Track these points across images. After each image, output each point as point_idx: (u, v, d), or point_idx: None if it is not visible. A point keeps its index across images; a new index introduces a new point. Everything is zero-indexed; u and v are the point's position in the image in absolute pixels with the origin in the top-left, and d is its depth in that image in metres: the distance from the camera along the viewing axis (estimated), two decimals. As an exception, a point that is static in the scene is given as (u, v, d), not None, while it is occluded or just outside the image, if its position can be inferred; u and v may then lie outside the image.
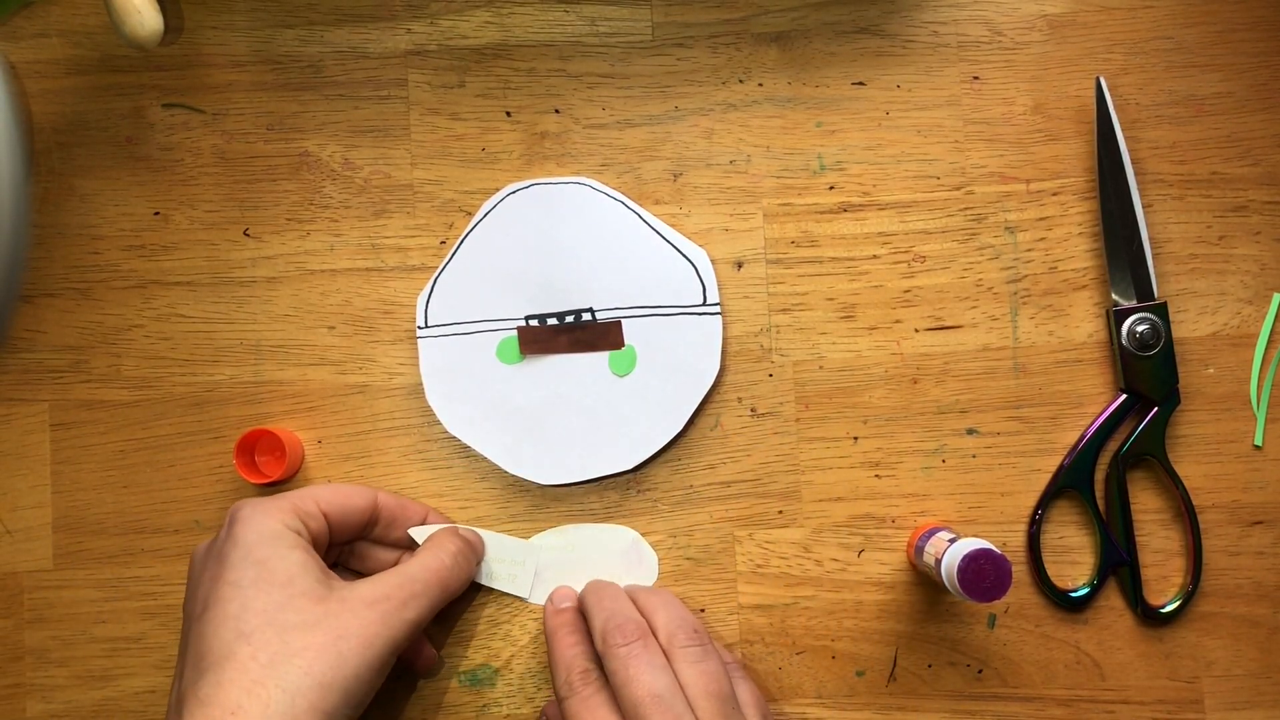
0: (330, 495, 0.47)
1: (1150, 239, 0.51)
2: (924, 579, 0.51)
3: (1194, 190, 0.52)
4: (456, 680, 0.51)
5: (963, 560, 0.43)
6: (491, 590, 0.51)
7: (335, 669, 0.41)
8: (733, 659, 0.49)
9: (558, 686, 0.46)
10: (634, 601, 0.48)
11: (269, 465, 0.51)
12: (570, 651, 0.46)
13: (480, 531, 0.51)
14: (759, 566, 0.51)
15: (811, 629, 0.51)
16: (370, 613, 0.43)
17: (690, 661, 0.45)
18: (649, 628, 0.46)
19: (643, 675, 0.43)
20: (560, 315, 0.51)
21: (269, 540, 0.43)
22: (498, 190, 0.52)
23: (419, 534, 0.49)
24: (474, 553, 0.49)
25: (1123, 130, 0.51)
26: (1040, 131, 0.52)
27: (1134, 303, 0.50)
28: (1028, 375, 0.51)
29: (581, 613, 0.49)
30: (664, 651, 0.45)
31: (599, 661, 0.46)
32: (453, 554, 0.47)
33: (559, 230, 0.51)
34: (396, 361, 0.52)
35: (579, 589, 0.50)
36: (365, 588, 0.44)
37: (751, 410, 0.51)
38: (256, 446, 0.51)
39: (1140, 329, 0.50)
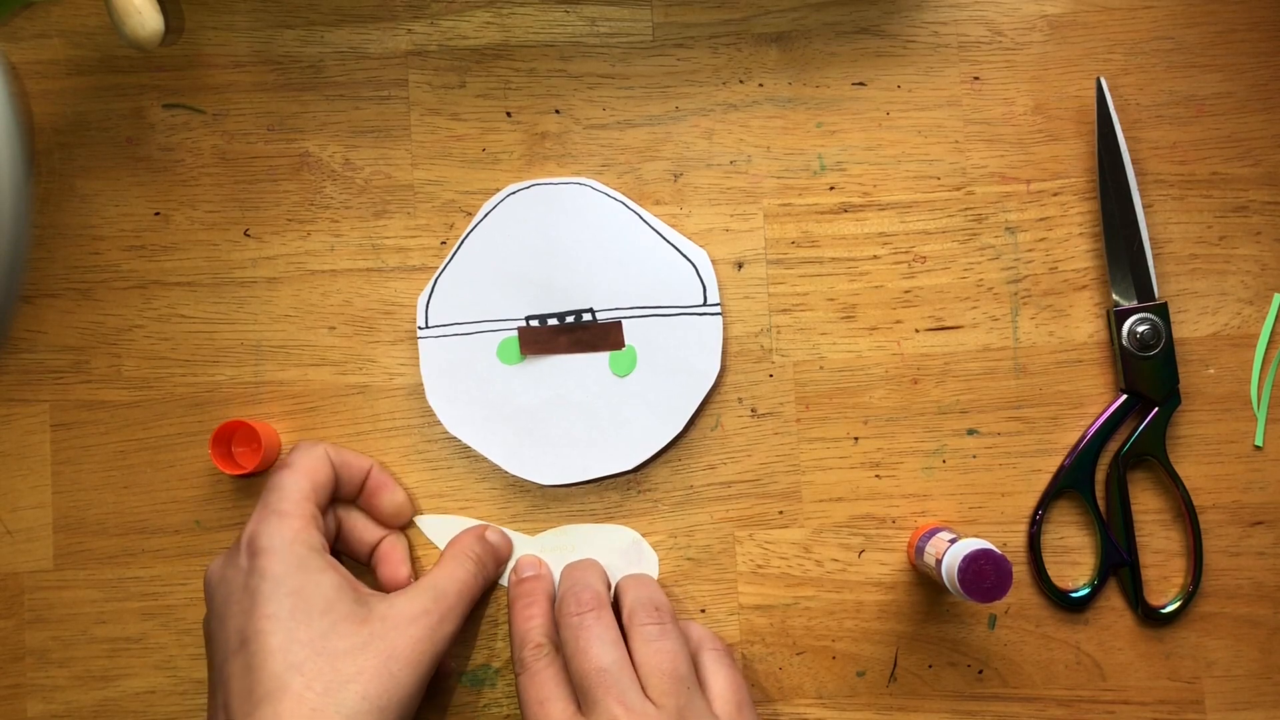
0: (310, 482, 0.46)
1: (1151, 239, 0.51)
2: (924, 579, 0.51)
3: (1194, 190, 0.52)
4: (456, 680, 0.51)
5: (963, 561, 0.43)
6: (493, 590, 0.51)
7: (390, 691, 0.41)
8: (720, 647, 0.47)
9: (514, 662, 0.46)
10: (616, 585, 0.48)
11: (245, 457, 0.51)
12: (525, 625, 0.46)
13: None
14: (759, 567, 0.51)
15: (812, 629, 0.51)
16: (414, 629, 0.43)
17: (646, 639, 0.44)
18: (616, 605, 0.46)
19: (591, 647, 0.43)
20: (561, 316, 0.51)
21: (297, 568, 0.43)
22: (498, 191, 0.52)
23: (426, 525, 0.49)
24: (497, 556, 0.49)
25: (1123, 130, 0.51)
26: (1041, 132, 0.52)
27: (1134, 303, 0.50)
28: (1028, 375, 0.51)
29: (546, 583, 0.49)
30: (625, 629, 0.45)
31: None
32: (478, 561, 0.47)
33: (559, 231, 0.51)
34: (397, 362, 0.52)
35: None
36: (403, 604, 0.44)
37: (752, 410, 0.51)
38: (233, 438, 0.51)
39: (1141, 329, 0.50)
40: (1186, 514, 0.50)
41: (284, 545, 0.43)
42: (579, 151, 0.52)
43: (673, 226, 0.52)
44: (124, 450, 0.52)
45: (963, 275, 0.51)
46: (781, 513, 0.51)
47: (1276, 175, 0.52)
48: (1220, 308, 0.51)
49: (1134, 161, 0.51)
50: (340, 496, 0.49)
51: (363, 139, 0.52)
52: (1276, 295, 0.51)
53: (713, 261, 0.51)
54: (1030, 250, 0.51)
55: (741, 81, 0.52)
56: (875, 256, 0.52)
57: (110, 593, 0.51)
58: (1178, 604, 0.50)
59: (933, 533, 0.48)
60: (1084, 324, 0.51)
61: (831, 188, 0.52)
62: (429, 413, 0.51)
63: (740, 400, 0.51)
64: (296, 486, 0.46)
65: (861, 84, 0.52)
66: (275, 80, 0.52)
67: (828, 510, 0.51)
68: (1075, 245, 0.52)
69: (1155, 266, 0.51)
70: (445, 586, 0.45)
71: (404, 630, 0.43)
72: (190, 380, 0.52)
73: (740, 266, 0.52)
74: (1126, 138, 0.51)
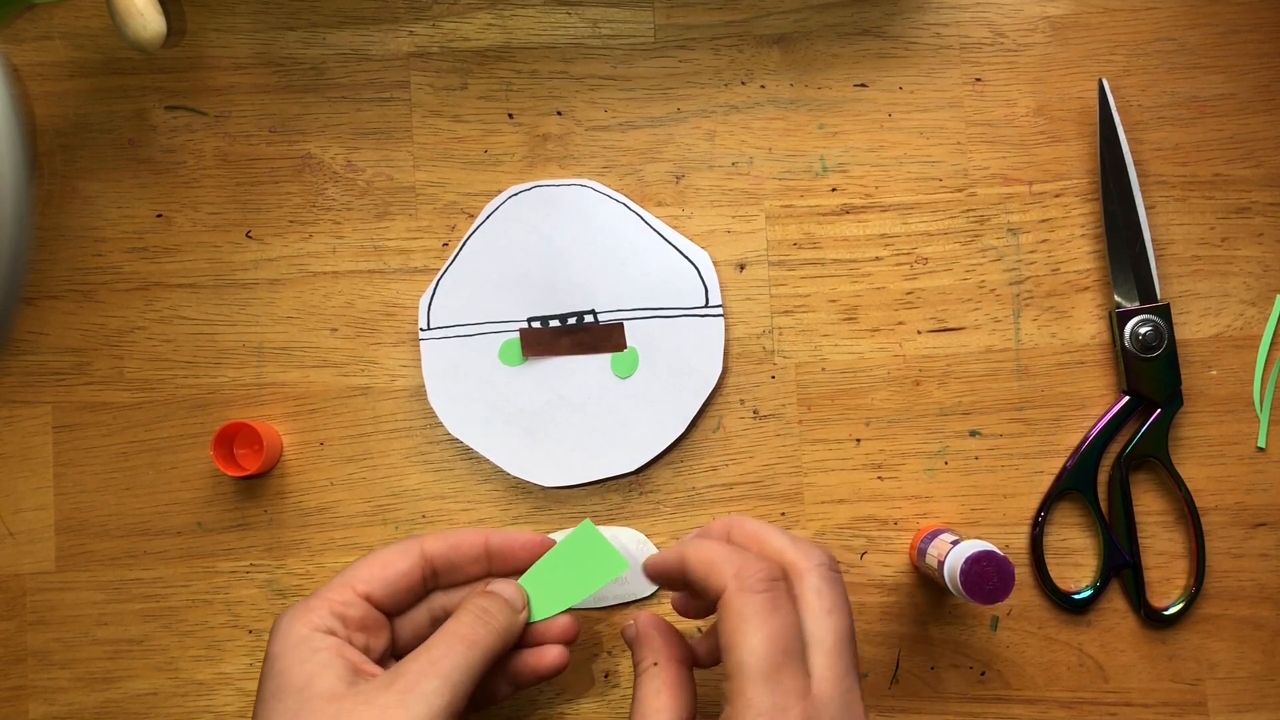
0: (369, 572, 0.44)
1: (1153, 240, 0.51)
2: (926, 581, 0.51)
3: (1197, 192, 0.52)
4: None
5: (965, 562, 0.43)
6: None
7: None
8: None
9: (729, 579, 0.40)
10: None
11: (247, 458, 0.51)
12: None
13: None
14: (761, 568, 0.51)
15: (814, 631, 0.51)
16: (387, 697, 0.41)
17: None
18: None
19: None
20: (562, 317, 0.51)
21: (292, 648, 0.42)
22: (500, 192, 0.52)
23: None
24: (507, 609, 0.45)
25: (1125, 132, 0.51)
26: (1043, 133, 0.52)
27: (1137, 304, 0.50)
28: (1030, 377, 0.51)
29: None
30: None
31: None
32: (476, 618, 0.44)
33: (561, 232, 0.51)
34: (399, 364, 0.52)
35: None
36: (386, 675, 0.42)
37: (754, 412, 0.51)
38: (235, 440, 0.51)
39: (1143, 331, 0.50)
40: (1189, 516, 0.50)
41: (289, 624, 0.43)
42: (581, 153, 0.52)
43: (674, 228, 0.52)
44: (126, 452, 0.52)
45: (965, 277, 0.51)
46: (784, 514, 0.51)
47: (1279, 176, 0.52)
48: (1223, 309, 0.51)
49: (1136, 163, 0.51)
50: (461, 578, 0.46)
51: (364, 141, 0.52)
52: (1279, 296, 0.51)
53: (715, 263, 0.51)
54: (1032, 252, 0.51)
55: (743, 83, 0.52)
56: (877, 258, 0.52)
57: (112, 594, 0.51)
58: (1180, 606, 0.50)
59: (935, 534, 0.48)
60: (1086, 325, 0.51)
61: (833, 189, 0.52)
62: (431, 414, 0.51)
63: (742, 402, 0.51)
64: (352, 575, 0.44)
65: (863, 85, 0.52)
66: (277, 82, 0.52)
67: (830, 512, 0.51)
68: (1077, 247, 0.51)
69: (1157, 268, 0.51)
70: (436, 653, 0.42)
71: (376, 701, 0.41)
72: (192, 382, 0.52)
73: (742, 268, 0.52)
74: (1129, 139, 0.51)
